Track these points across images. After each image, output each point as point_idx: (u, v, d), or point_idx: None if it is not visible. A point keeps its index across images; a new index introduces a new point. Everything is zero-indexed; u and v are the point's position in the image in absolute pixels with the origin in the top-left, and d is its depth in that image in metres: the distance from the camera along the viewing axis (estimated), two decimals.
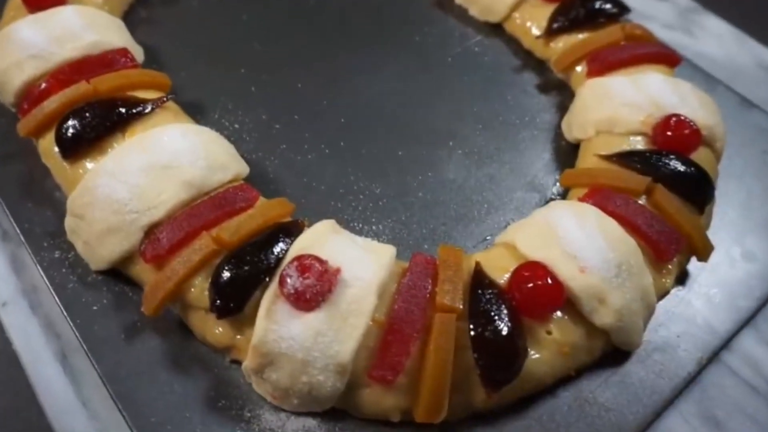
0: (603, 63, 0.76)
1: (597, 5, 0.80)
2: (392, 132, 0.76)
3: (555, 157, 0.75)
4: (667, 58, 0.78)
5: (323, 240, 0.58)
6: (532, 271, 0.57)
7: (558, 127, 0.78)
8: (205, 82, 0.78)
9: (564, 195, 0.71)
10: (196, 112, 0.73)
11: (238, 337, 0.57)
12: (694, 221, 0.64)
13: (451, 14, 0.89)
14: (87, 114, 0.64)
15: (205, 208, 0.60)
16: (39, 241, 0.63)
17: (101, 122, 0.64)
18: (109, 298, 0.60)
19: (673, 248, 0.62)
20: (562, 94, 0.81)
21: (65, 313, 0.59)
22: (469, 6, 0.88)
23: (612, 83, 0.73)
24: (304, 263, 0.54)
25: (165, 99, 0.68)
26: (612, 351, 0.60)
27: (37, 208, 0.66)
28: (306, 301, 0.53)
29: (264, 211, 0.61)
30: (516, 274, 0.57)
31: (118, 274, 0.61)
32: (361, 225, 0.68)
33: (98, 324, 0.59)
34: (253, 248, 0.57)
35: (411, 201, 0.71)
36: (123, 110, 0.65)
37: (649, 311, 0.61)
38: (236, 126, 0.75)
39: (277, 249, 0.57)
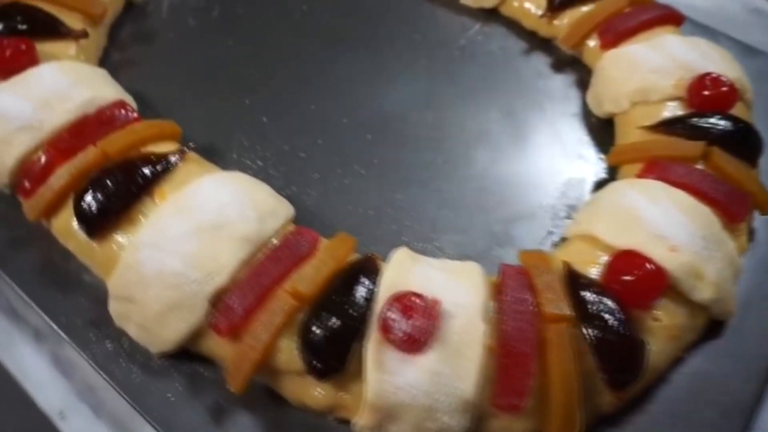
0: (615, 33, 0.75)
1: None
2: (421, 139, 0.72)
3: (590, 136, 0.74)
4: (673, 17, 0.78)
5: (407, 272, 0.54)
6: (628, 260, 0.55)
7: (583, 105, 0.76)
8: (210, 122, 0.71)
9: (612, 173, 0.69)
10: (212, 156, 0.66)
11: (342, 394, 0.52)
12: (752, 177, 0.64)
13: (439, 6, 0.85)
14: (107, 182, 0.57)
15: (270, 263, 0.55)
16: (83, 335, 0.56)
17: (125, 189, 0.57)
18: (182, 383, 0.54)
19: (743, 208, 0.62)
20: (577, 70, 0.79)
21: (138, 409, 0.53)
22: None
23: (632, 52, 0.72)
24: (405, 303, 0.50)
25: (185, 150, 0.62)
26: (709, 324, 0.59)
27: (68, 298, 0.58)
28: (417, 342, 0.49)
29: (331, 252, 0.56)
30: (612, 266, 0.55)
31: (183, 353, 0.55)
32: (423, 244, 0.64)
33: (178, 413, 0.53)
34: (337, 296, 0.52)
35: (461, 208, 0.67)
36: (145, 171, 0.58)
37: (738, 276, 0.60)
38: (259, 163, 0.69)
39: (362, 293, 0.52)
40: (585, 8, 0.78)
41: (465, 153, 0.71)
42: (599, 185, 0.68)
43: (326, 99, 0.74)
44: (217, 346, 0.54)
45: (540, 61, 0.80)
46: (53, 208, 0.59)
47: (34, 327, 0.58)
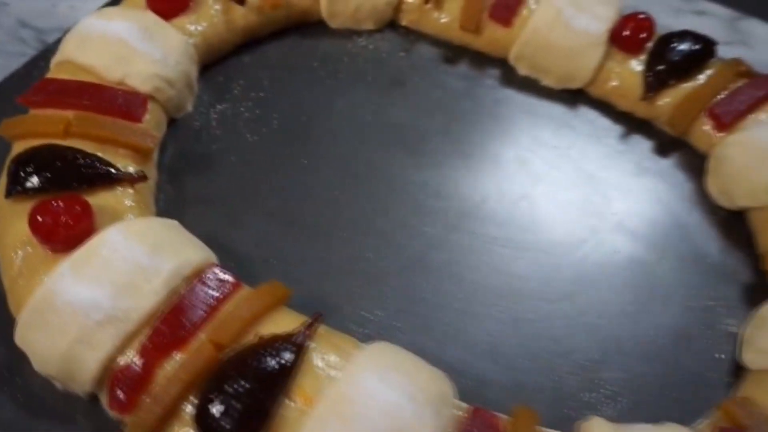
0: (732, 114, 0.69)
1: (687, 47, 0.72)
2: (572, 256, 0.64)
3: (723, 232, 0.67)
4: None
5: None
6: None
7: (699, 192, 0.69)
8: (307, 271, 0.59)
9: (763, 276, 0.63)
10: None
11: None
12: None
13: (517, 89, 0.76)
14: (236, 388, 0.45)
15: None
16: None
17: (261, 394, 0.46)
18: None
19: None
20: (683, 152, 0.72)
21: None
22: (540, 75, 0.76)
23: (762, 137, 0.66)
24: None
25: (314, 323, 0.50)
26: None
27: None
28: None
29: None
30: None
31: None
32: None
33: None
34: None
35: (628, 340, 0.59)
36: (276, 364, 0.47)
37: None
38: (378, 314, 0.57)
39: None
40: (687, 84, 0.71)
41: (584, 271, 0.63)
42: (752, 293, 0.62)
43: (439, 225, 0.64)
44: None
45: (641, 146, 0.73)
46: (164, 423, 0.47)
47: None
